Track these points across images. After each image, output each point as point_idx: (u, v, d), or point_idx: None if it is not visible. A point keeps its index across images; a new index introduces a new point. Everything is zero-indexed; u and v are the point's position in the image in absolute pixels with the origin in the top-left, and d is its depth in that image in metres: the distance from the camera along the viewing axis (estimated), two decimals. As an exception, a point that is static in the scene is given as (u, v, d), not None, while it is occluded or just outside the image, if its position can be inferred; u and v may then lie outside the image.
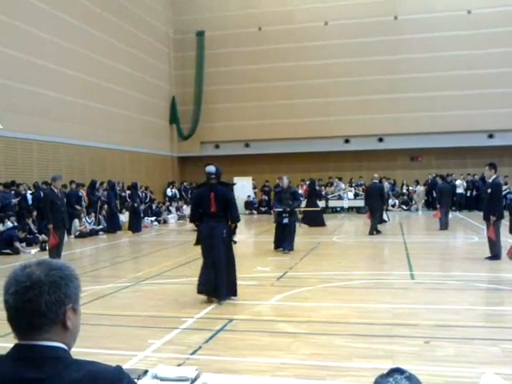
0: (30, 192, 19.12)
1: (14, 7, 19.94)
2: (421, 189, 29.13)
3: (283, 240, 13.85)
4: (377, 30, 31.22)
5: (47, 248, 13.16)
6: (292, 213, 14.15)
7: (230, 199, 8.60)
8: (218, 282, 8.18)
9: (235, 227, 8.78)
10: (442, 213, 18.90)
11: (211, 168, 8.53)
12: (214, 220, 8.41)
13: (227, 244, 8.47)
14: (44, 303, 1.60)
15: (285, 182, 14.57)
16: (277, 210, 14.27)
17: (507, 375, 4.72)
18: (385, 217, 20.01)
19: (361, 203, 29.37)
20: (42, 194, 15.93)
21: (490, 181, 12.04)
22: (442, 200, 19.12)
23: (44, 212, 13.29)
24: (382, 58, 31.22)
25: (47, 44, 21.58)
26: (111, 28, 26.68)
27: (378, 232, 17.85)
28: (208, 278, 8.25)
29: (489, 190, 11.85)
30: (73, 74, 23.23)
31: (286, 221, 13.87)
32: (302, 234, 17.66)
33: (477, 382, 4.47)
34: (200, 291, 8.33)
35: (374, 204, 18.28)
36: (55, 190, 12.85)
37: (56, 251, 12.51)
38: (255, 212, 30.04)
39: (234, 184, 11.17)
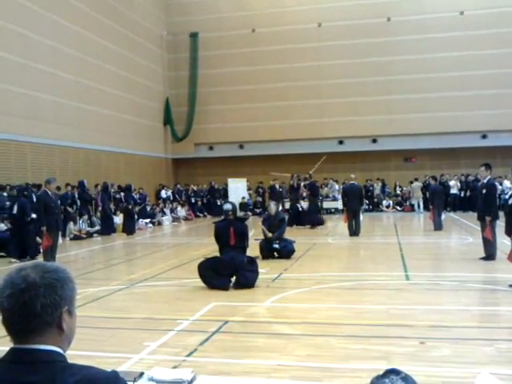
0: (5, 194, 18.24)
1: (8, 10, 19.88)
2: (418, 184, 28.84)
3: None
4: (370, 31, 31.30)
5: (41, 250, 13.14)
6: (283, 239, 13.36)
7: (246, 234, 9.90)
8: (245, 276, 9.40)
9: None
10: (435, 213, 19.02)
11: (228, 206, 9.90)
12: (234, 251, 9.62)
13: (248, 269, 9.55)
14: (40, 305, 1.59)
15: (272, 208, 13.92)
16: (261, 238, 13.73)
17: (502, 375, 4.73)
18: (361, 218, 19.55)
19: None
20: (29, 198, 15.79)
21: (485, 181, 11.98)
22: (434, 201, 19.25)
23: (38, 214, 13.28)
24: (375, 59, 31.30)
25: (41, 47, 21.52)
26: (105, 30, 26.64)
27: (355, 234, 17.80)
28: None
29: (484, 191, 11.78)
30: (67, 77, 23.18)
31: (276, 246, 13.09)
32: (297, 236, 17.65)
33: (472, 382, 4.48)
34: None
35: (355, 205, 18.06)
36: (49, 193, 12.85)
37: (50, 253, 12.50)
38: (250, 213, 30.03)
39: (248, 218, 11.85)
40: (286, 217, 17.35)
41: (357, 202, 18.18)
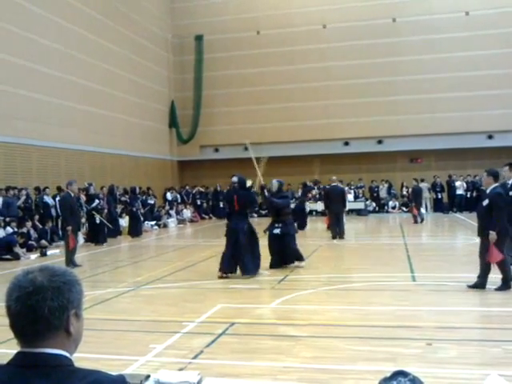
0: (51, 196, 19.58)
1: (15, 14, 19.95)
2: (426, 185, 28.96)
3: (285, 256, 12.01)
4: (375, 32, 31.24)
5: (66, 251, 13.26)
6: (285, 221, 12.16)
7: (248, 199, 11.42)
8: (243, 261, 10.78)
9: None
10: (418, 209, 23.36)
11: (234, 178, 11.45)
12: (237, 217, 11.02)
13: (249, 235, 10.93)
14: (47, 309, 1.59)
15: (274, 185, 12.75)
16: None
17: (510, 377, 4.72)
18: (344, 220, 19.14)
19: (361, 205, 29.42)
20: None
21: (510, 182, 10.92)
22: (417, 199, 23.65)
23: (64, 215, 13.68)
24: (380, 60, 31.24)
25: (47, 50, 21.57)
26: (111, 34, 26.69)
27: (335, 237, 17.45)
28: (228, 262, 10.80)
29: (511, 193, 10.64)
30: (73, 80, 23.23)
31: (276, 231, 11.99)
32: (303, 237, 17.63)
33: (480, 384, 4.47)
34: (220, 272, 10.74)
35: (337, 208, 17.79)
36: (72, 194, 13.11)
37: (74, 254, 12.89)
38: (255, 215, 30.01)
39: (252, 187, 12.35)
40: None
41: (339, 205, 17.93)
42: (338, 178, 20.24)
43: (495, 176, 8.99)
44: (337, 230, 17.70)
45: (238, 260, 10.83)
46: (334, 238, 17.53)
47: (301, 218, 21.11)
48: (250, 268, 10.82)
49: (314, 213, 29.49)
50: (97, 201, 19.56)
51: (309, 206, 27.77)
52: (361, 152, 31.78)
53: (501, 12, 29.76)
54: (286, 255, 12.04)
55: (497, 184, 8.99)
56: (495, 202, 8.71)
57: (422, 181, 29.17)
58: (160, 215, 25.97)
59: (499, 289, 8.84)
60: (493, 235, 8.62)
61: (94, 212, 19.03)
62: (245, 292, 9.32)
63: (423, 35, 30.74)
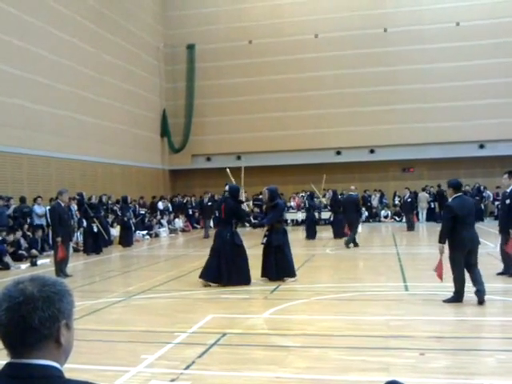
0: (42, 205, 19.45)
1: (6, 23, 19.92)
2: (425, 195, 29.20)
3: (266, 267, 11.28)
4: (367, 42, 31.42)
5: (55, 261, 13.19)
6: (275, 230, 11.38)
7: (234, 209, 10.97)
8: (222, 271, 10.55)
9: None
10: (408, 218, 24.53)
11: (227, 187, 11.68)
12: (222, 225, 11.18)
13: (230, 244, 10.68)
14: (38, 319, 1.57)
15: (265, 193, 12.05)
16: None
17: (504, 386, 4.70)
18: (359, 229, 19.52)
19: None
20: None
21: (509, 190, 10.82)
22: (409, 208, 24.75)
23: (52, 225, 13.54)
24: (372, 70, 31.41)
25: (38, 58, 21.54)
26: (102, 42, 26.69)
27: (356, 245, 17.60)
28: (208, 268, 10.71)
29: (507, 201, 10.68)
30: (63, 88, 23.17)
31: (263, 240, 11.45)
32: (296, 247, 17.60)
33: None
34: (200, 277, 10.80)
35: (351, 216, 18.10)
36: (62, 204, 13.01)
37: (60, 265, 12.70)
38: (247, 225, 29.93)
39: (242, 202, 11.67)
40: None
41: (352, 214, 18.13)
42: (355, 188, 20.17)
43: (455, 187, 8.67)
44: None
45: (221, 269, 10.55)
46: (353, 245, 17.64)
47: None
48: (231, 278, 10.55)
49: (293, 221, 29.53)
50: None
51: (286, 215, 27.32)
52: (353, 161, 31.87)
53: (491, 23, 30.04)
54: (266, 265, 11.27)
55: (458, 194, 8.65)
56: (444, 213, 8.65)
57: (424, 190, 29.40)
58: (151, 225, 25.88)
59: (448, 300, 8.53)
60: (439, 247, 8.56)
61: (95, 220, 18.95)
62: (237, 302, 9.27)
63: (414, 45, 30.98)
